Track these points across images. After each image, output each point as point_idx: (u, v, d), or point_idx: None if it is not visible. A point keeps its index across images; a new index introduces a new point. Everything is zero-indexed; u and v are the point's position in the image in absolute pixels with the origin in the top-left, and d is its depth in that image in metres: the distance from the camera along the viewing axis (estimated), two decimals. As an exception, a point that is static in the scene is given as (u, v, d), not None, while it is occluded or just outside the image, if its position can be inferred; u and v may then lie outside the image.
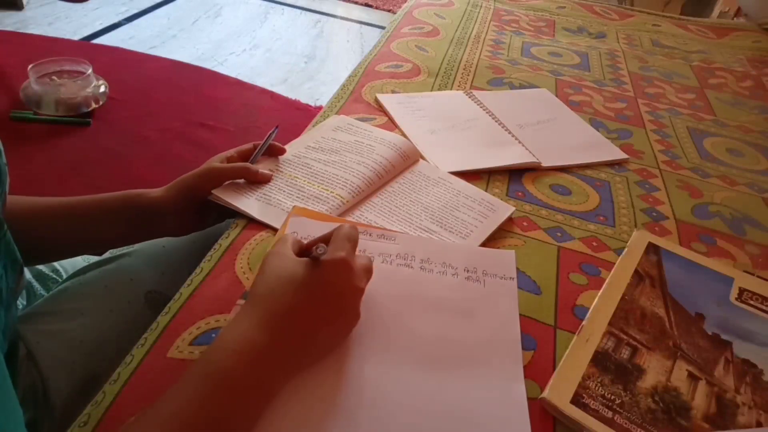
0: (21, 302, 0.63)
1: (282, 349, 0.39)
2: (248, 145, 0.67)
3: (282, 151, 0.67)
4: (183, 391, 0.35)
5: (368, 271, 0.46)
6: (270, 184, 0.63)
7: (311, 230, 0.55)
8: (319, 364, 0.43)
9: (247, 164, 0.62)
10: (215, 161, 0.63)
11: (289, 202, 0.60)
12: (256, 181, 0.61)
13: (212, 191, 0.60)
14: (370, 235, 0.55)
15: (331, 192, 0.61)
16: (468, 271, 0.53)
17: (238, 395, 0.36)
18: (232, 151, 0.64)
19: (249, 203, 0.59)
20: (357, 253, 0.45)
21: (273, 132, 0.66)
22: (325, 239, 0.45)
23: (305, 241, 0.47)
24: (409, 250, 0.54)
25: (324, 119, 0.78)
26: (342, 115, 0.78)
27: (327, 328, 0.42)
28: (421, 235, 0.58)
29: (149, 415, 0.34)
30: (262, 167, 0.64)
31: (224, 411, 0.35)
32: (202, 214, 0.62)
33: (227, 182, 0.61)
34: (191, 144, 1.43)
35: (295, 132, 0.76)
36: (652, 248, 0.60)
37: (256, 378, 0.37)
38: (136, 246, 0.65)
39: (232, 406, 0.36)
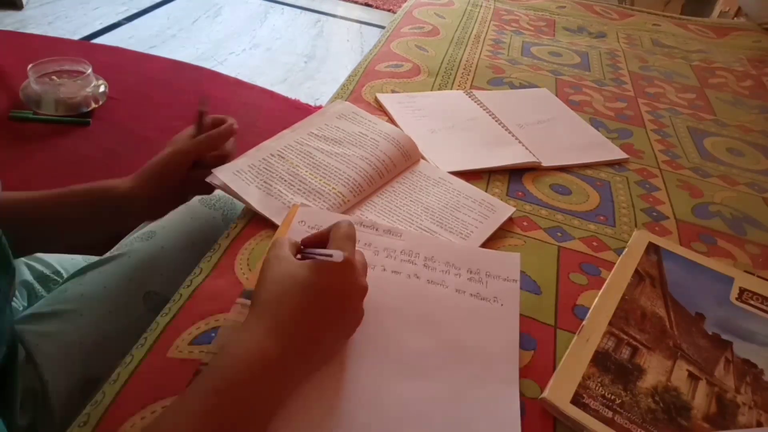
0: (22, 303, 0.63)
1: (291, 357, 0.38)
2: (207, 120, 0.65)
3: (233, 131, 0.64)
4: (189, 404, 0.34)
5: (365, 267, 0.45)
6: (271, 171, 0.62)
7: (318, 220, 0.55)
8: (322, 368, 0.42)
9: (208, 133, 0.61)
10: (176, 142, 0.62)
11: (290, 194, 0.59)
12: (223, 141, 0.61)
13: (212, 173, 0.59)
14: (376, 230, 0.56)
15: (333, 188, 0.61)
16: (471, 272, 0.53)
17: (248, 407, 0.35)
18: (191, 129, 0.64)
19: (249, 191, 0.59)
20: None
21: (202, 100, 0.65)
22: (323, 236, 0.45)
23: (299, 240, 0.46)
24: (413, 248, 0.54)
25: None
26: (347, 102, 0.77)
27: (333, 330, 0.42)
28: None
29: (153, 427, 0.34)
30: (263, 152, 0.63)
31: (232, 424, 0.34)
32: (178, 195, 0.62)
33: (226, 165, 0.61)
34: (191, 144, 1.44)
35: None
36: (652, 248, 0.60)
37: (266, 389, 0.37)
38: (135, 246, 0.65)
39: (241, 418, 0.35)
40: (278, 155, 0.64)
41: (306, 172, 0.62)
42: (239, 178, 0.60)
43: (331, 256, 0.40)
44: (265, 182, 0.60)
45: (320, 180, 0.62)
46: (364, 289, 0.43)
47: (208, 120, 0.65)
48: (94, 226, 0.60)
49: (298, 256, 0.45)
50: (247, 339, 0.38)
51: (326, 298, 0.40)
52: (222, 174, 0.59)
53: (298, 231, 0.54)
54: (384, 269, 0.52)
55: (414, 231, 0.58)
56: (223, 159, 0.63)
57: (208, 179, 0.59)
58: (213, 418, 0.34)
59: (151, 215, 0.63)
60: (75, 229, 0.60)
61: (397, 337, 0.46)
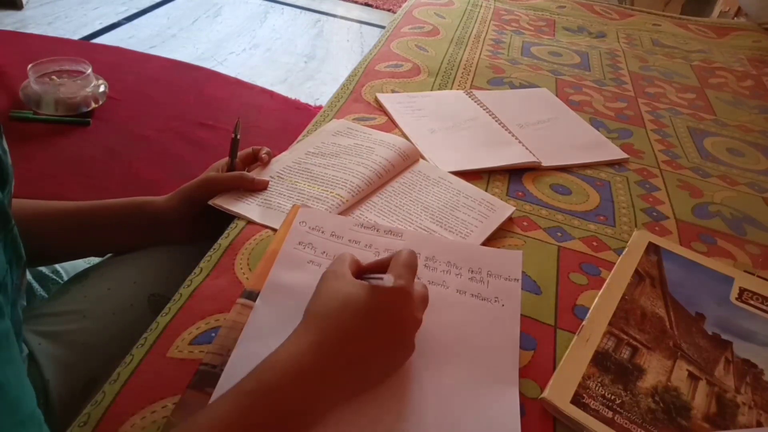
0: (21, 302, 0.63)
1: (332, 374, 0.38)
2: (248, 150, 0.67)
3: (263, 159, 0.66)
4: (224, 405, 0.35)
5: (425, 301, 0.45)
6: (270, 189, 0.63)
7: (318, 221, 0.55)
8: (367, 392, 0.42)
9: (243, 173, 0.63)
10: (214, 170, 0.64)
11: (289, 205, 0.60)
12: (254, 189, 0.62)
13: (212, 199, 0.60)
14: (377, 230, 0.56)
15: (331, 192, 0.61)
16: (472, 271, 0.53)
17: (280, 415, 0.35)
18: (227, 159, 0.66)
19: (249, 209, 0.60)
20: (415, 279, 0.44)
21: (237, 126, 0.67)
22: (383, 264, 0.44)
23: (363, 262, 0.46)
24: (414, 247, 0.54)
25: (324, 119, 0.78)
26: (342, 120, 0.77)
27: (381, 356, 0.41)
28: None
29: (188, 425, 0.34)
30: (263, 175, 0.64)
31: (261, 426, 0.35)
32: (205, 221, 0.62)
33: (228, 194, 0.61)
34: (191, 143, 1.43)
35: (295, 132, 0.76)
36: (652, 248, 0.60)
37: (300, 400, 0.37)
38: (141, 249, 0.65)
39: (271, 422, 0.35)
40: (277, 176, 0.65)
41: (304, 185, 0.63)
42: (238, 200, 0.61)
43: (382, 279, 0.40)
44: (265, 200, 0.61)
45: (318, 188, 0.62)
46: (417, 322, 0.43)
47: (247, 150, 0.68)
48: (131, 237, 0.62)
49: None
50: (291, 349, 0.38)
51: (376, 323, 0.40)
52: (221, 199, 0.60)
53: (299, 232, 0.54)
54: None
55: (414, 231, 0.58)
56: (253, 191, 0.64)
57: (210, 201, 0.60)
58: (243, 418, 0.34)
59: (179, 236, 0.63)
60: (113, 239, 0.62)
61: None
